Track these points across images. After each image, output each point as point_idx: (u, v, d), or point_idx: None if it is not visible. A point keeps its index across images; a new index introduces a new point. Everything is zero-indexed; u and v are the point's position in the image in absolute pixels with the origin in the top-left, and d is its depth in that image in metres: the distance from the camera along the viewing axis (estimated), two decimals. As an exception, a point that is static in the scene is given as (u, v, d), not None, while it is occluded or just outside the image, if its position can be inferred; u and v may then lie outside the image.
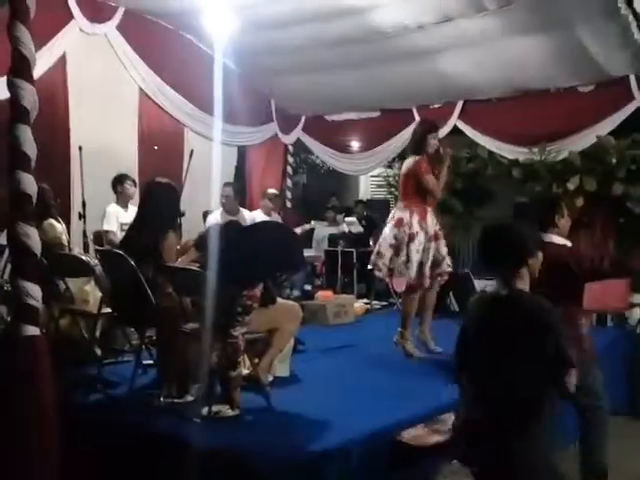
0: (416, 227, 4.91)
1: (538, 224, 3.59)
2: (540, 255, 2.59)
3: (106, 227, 5.89)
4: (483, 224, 2.90)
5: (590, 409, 3.54)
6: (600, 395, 3.54)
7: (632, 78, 6.21)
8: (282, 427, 3.46)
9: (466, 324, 2.66)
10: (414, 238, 4.91)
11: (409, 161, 5.02)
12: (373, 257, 5.15)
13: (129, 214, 5.64)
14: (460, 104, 7.47)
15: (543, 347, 2.34)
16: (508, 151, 7.31)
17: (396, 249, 4.98)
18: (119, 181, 6.07)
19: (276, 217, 7.81)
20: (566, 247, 3.64)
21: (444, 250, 5.06)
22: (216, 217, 6.39)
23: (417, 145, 5.05)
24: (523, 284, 2.51)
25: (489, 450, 2.42)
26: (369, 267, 5.25)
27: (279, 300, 4.11)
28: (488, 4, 5.57)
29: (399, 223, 4.98)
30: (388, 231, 5.05)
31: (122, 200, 6.06)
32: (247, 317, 3.58)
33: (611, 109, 6.46)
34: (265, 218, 7.53)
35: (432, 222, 5.02)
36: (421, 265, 4.92)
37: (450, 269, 5.13)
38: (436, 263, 5.00)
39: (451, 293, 6.82)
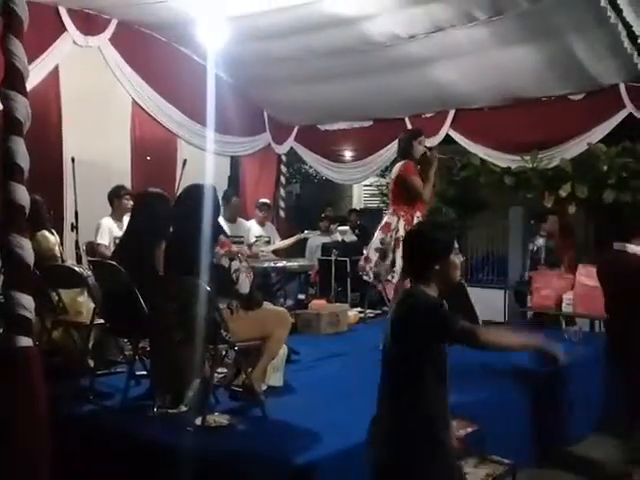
0: (402, 232, 4.94)
1: (618, 232, 3.59)
2: (454, 260, 2.52)
3: (99, 240, 5.76)
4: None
5: None
6: None
7: (622, 86, 6.26)
8: (274, 437, 3.46)
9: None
10: (400, 242, 4.94)
11: (397, 165, 5.11)
12: (361, 262, 5.21)
13: (123, 227, 5.47)
14: (452, 113, 7.50)
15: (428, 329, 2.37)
16: (500, 159, 7.36)
17: (382, 253, 5.04)
18: (116, 194, 5.89)
19: (270, 227, 7.84)
20: None
21: None
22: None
23: (404, 151, 5.16)
24: (430, 290, 2.47)
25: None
26: (359, 272, 5.29)
27: (267, 306, 4.12)
28: (478, 14, 5.61)
29: (386, 228, 5.07)
30: (376, 236, 5.13)
31: (117, 213, 5.89)
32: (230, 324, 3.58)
33: (602, 117, 6.50)
34: (259, 229, 7.57)
35: None
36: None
37: None
38: None
39: (444, 302, 6.82)
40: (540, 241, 7.06)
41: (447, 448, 2.41)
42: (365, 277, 5.23)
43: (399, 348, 2.43)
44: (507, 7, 5.47)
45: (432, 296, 2.45)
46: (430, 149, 5.23)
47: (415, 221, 5.02)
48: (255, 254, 6.84)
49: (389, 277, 4.99)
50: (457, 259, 2.55)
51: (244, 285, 3.76)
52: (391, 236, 4.99)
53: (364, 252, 5.33)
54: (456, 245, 2.56)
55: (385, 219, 5.14)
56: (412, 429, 2.37)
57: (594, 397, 5.04)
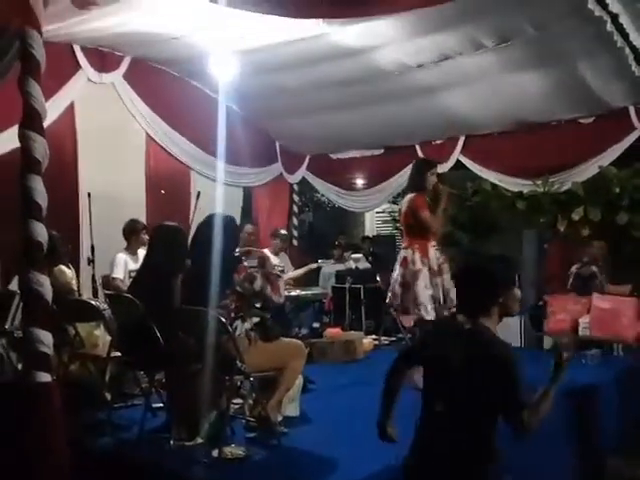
0: (419, 264, 5.01)
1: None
2: (516, 292, 2.53)
3: (114, 275, 5.77)
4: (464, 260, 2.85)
5: None
6: None
7: (631, 109, 6.27)
8: (291, 468, 3.45)
9: (418, 349, 2.67)
10: (418, 275, 4.98)
11: (408, 198, 5.13)
12: (389, 298, 5.25)
13: (138, 261, 5.52)
14: (462, 139, 7.54)
15: (496, 384, 2.33)
16: (511, 184, 7.36)
17: (405, 287, 5.07)
18: (132, 229, 5.90)
19: (284, 256, 7.87)
20: None
21: (449, 284, 5.10)
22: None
23: (416, 182, 5.20)
24: (490, 322, 2.48)
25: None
26: (389, 308, 5.35)
27: (283, 339, 4.13)
28: (485, 42, 5.67)
29: (404, 262, 5.10)
30: (397, 271, 5.17)
31: (133, 247, 5.90)
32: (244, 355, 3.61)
33: (612, 140, 6.50)
34: (274, 258, 7.60)
35: (434, 257, 5.07)
36: (434, 300, 4.99)
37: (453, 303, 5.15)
38: (445, 298, 5.05)
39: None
40: (592, 268, 6.71)
41: None
42: (394, 312, 5.38)
43: (466, 384, 2.39)
44: (513, 34, 5.53)
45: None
46: (441, 183, 5.27)
47: (431, 251, 5.06)
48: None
49: (417, 310, 5.01)
50: (517, 291, 2.56)
51: (276, 297, 3.83)
52: (410, 270, 5.04)
53: (381, 283, 5.39)
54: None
55: (402, 254, 5.17)
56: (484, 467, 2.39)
57: (612, 418, 4.99)
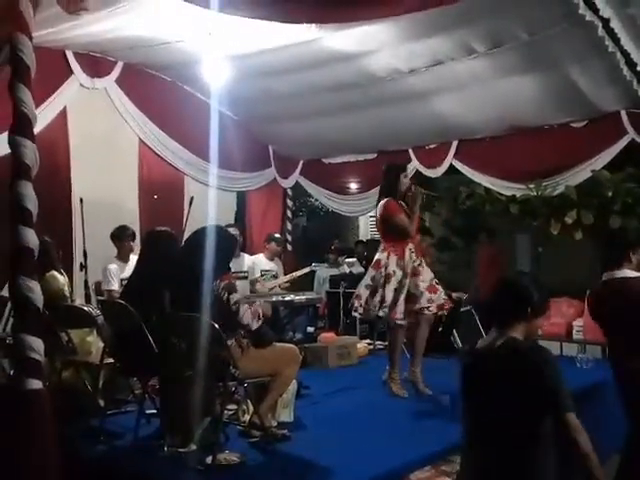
0: (392, 267, 5.02)
1: (610, 259, 3.52)
2: (543, 318, 2.51)
3: (108, 287, 5.69)
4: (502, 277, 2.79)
5: None
6: None
7: (623, 113, 6.29)
8: (285, 474, 3.43)
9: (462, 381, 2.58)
10: (390, 278, 5.00)
11: (380, 204, 5.16)
12: (353, 299, 5.27)
13: (130, 267, 5.37)
14: (455, 143, 7.55)
15: (539, 392, 2.28)
16: (505, 188, 7.38)
17: (372, 290, 5.09)
18: (120, 236, 5.86)
19: (278, 261, 7.86)
20: None
21: (422, 285, 5.04)
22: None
23: (390, 187, 5.21)
24: (518, 335, 2.44)
25: None
26: (350, 309, 5.34)
27: (277, 344, 4.11)
28: (477, 47, 5.69)
29: (377, 265, 5.13)
30: (367, 273, 5.23)
31: (123, 254, 5.86)
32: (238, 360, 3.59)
33: (605, 144, 6.52)
34: (268, 263, 7.59)
35: (410, 259, 5.07)
36: (395, 301, 4.97)
37: (431, 305, 5.10)
38: (412, 299, 5.01)
39: (454, 330, 6.82)
40: None
41: None
42: (354, 313, 5.30)
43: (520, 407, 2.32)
44: (505, 39, 5.54)
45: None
46: (414, 184, 5.29)
47: (407, 253, 5.06)
48: (260, 291, 6.78)
49: (380, 313, 5.03)
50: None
51: (246, 316, 3.75)
52: (381, 273, 5.05)
53: (355, 292, 5.37)
54: None
55: (376, 256, 5.19)
56: None
57: (616, 419, 4.98)
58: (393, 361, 5.14)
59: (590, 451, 2.26)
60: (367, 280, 5.17)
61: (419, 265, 5.08)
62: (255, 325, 3.79)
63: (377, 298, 5.04)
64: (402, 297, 4.97)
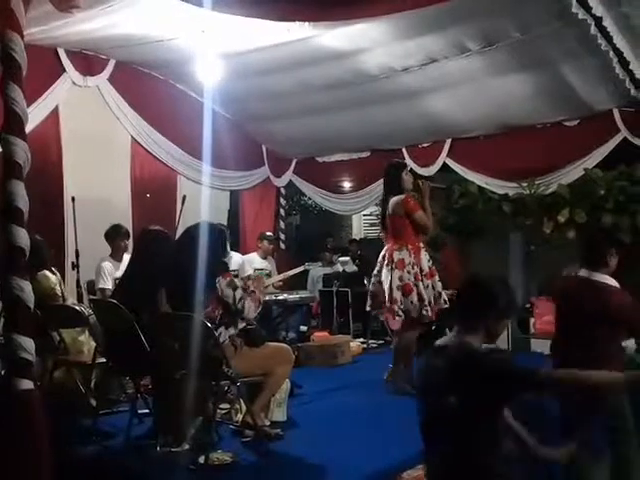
0: (419, 265, 5.01)
1: (586, 261, 3.39)
2: (506, 322, 2.48)
3: (102, 285, 5.68)
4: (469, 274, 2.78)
5: None
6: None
7: (616, 112, 6.31)
8: (278, 473, 3.43)
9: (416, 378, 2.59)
10: (419, 277, 4.99)
11: (396, 201, 5.10)
12: (386, 307, 5.12)
13: (124, 266, 5.37)
14: (449, 142, 7.55)
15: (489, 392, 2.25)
16: (497, 186, 7.38)
17: (404, 290, 5.00)
18: (114, 235, 5.87)
19: (271, 260, 7.85)
20: (622, 294, 3.29)
21: (439, 285, 5.10)
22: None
23: (395, 185, 5.21)
24: (475, 340, 2.40)
25: None
26: (387, 320, 5.28)
27: (270, 343, 4.11)
28: (471, 45, 5.68)
29: (401, 264, 5.02)
30: (393, 275, 5.03)
31: (116, 253, 5.85)
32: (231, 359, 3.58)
33: (597, 142, 6.54)
34: (262, 262, 7.59)
35: (425, 259, 5.07)
36: (428, 302, 5.00)
37: (447, 305, 5.13)
38: (435, 299, 5.04)
39: (447, 330, 6.82)
40: None
41: None
42: (397, 318, 5.08)
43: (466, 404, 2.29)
44: (498, 37, 5.54)
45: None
46: (422, 178, 5.29)
47: (422, 253, 5.09)
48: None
49: (424, 312, 4.96)
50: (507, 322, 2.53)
51: (250, 312, 3.77)
52: (409, 272, 5.00)
53: (369, 286, 5.31)
54: None
55: (396, 256, 5.06)
56: None
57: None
58: (398, 359, 5.12)
59: (587, 379, 2.29)
60: (396, 282, 5.01)
61: (432, 265, 5.11)
62: (252, 316, 3.84)
63: (413, 298, 4.96)
64: (432, 296, 4.98)
